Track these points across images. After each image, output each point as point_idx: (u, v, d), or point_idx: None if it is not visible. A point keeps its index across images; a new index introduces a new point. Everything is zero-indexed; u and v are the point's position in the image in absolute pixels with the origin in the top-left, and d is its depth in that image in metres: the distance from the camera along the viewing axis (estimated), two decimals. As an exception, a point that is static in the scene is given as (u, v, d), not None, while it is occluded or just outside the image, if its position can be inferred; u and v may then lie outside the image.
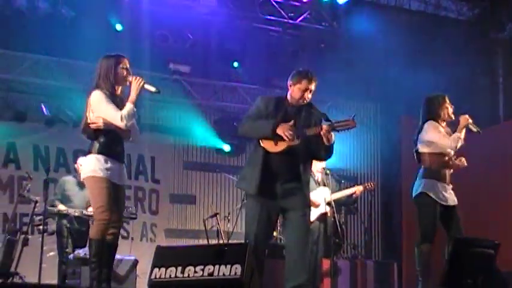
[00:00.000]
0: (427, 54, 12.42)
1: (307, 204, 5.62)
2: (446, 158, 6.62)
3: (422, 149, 6.68)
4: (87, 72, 10.78)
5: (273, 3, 11.54)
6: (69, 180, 9.18)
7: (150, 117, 11.43)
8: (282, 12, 11.60)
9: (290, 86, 5.66)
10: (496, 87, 14.02)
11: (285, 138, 5.38)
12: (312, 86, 5.61)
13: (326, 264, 8.88)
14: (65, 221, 8.75)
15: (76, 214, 8.70)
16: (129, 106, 5.52)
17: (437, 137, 6.58)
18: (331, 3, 11.53)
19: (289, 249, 5.56)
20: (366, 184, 9.36)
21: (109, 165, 5.53)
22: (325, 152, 5.61)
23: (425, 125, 6.66)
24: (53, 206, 8.75)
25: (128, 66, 5.72)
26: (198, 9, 11.21)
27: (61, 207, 8.80)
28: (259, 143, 5.52)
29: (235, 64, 11.73)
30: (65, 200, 8.96)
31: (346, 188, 9.31)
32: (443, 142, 6.56)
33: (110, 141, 5.58)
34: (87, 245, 8.69)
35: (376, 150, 13.44)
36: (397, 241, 11.94)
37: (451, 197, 6.60)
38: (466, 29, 13.54)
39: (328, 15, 11.85)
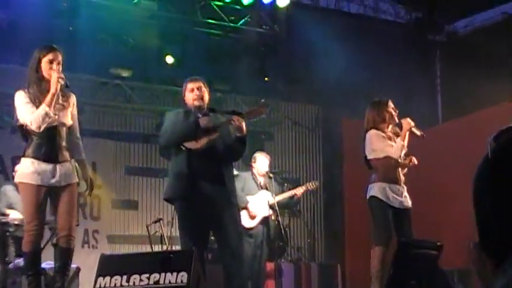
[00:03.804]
0: (367, 57, 12.56)
1: (234, 201, 5.68)
2: (394, 159, 6.70)
3: (369, 155, 6.74)
4: (23, 76, 10.61)
5: (214, 6, 11.53)
6: (9, 188, 9.01)
7: (90, 122, 11.28)
8: (223, 15, 11.59)
9: (184, 98, 5.84)
10: (434, 88, 14.27)
11: (208, 125, 5.50)
12: (199, 84, 5.75)
13: (270, 267, 8.90)
14: (6, 229, 8.56)
15: (16, 222, 8.52)
16: (40, 108, 5.28)
17: (381, 146, 6.65)
18: (271, 6, 11.55)
19: (223, 249, 5.62)
20: (308, 184, 9.37)
21: (40, 168, 5.32)
22: (239, 145, 5.66)
23: (368, 135, 6.73)
24: (3, 214, 8.57)
25: (59, 59, 5.46)
26: (139, 12, 11.12)
27: (11, 212, 8.59)
28: (180, 147, 5.56)
29: (175, 66, 11.67)
30: (9, 207, 8.79)
31: (289, 190, 9.34)
32: (388, 151, 6.64)
33: (38, 143, 5.36)
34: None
35: (317, 153, 13.53)
36: (340, 242, 12.04)
37: (404, 200, 6.67)
38: (405, 31, 13.76)
39: (269, 19, 11.89)
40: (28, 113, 5.30)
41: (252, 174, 8.81)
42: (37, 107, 5.31)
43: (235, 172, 6.30)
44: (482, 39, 12.21)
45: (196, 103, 5.70)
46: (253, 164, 8.85)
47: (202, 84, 5.76)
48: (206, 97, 5.76)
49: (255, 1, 11.48)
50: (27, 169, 5.31)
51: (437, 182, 10.40)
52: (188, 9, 11.44)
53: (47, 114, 5.28)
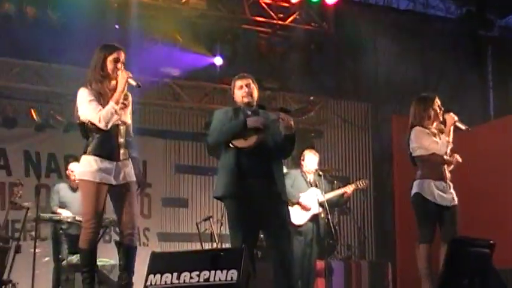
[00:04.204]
0: (416, 53, 12.47)
1: (284, 199, 5.65)
2: (439, 156, 6.61)
3: (414, 152, 6.66)
4: (77, 76, 10.75)
5: (262, 4, 11.53)
6: (62, 187, 9.14)
7: (140, 121, 11.36)
8: (271, 13, 11.59)
9: (232, 95, 5.83)
10: (486, 84, 14.08)
11: (257, 125, 5.47)
12: (248, 81, 5.73)
13: (320, 265, 8.87)
14: (59, 227, 8.70)
15: (69, 220, 8.65)
16: (109, 105, 5.30)
17: (427, 143, 6.55)
18: (320, 4, 11.50)
19: (272, 250, 5.61)
20: (358, 182, 9.29)
21: (101, 165, 5.32)
22: (288, 142, 5.62)
23: (413, 132, 6.63)
24: (53, 213, 8.71)
25: (122, 58, 5.45)
26: (188, 11, 11.19)
27: (62, 212, 8.72)
28: (229, 145, 5.55)
29: (224, 66, 11.72)
30: (62, 206, 8.93)
31: (339, 188, 9.29)
32: (433, 148, 6.55)
33: (100, 140, 5.36)
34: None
35: (367, 151, 13.45)
36: (391, 241, 11.94)
37: (449, 196, 6.57)
38: (455, 27, 13.59)
39: (318, 16, 11.85)
40: (95, 110, 5.31)
41: (302, 171, 8.79)
42: (101, 105, 5.34)
43: (284, 170, 6.29)
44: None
45: (245, 100, 5.69)
46: (302, 162, 8.82)
47: (251, 81, 5.75)
48: (255, 94, 5.75)
49: (303, -1, 11.46)
50: (89, 167, 5.32)
51: (489, 179, 10.23)
52: (237, 8, 11.47)
53: (115, 111, 5.33)
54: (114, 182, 5.38)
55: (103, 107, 5.32)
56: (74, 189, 8.98)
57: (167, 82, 11.62)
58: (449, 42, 13.19)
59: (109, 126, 5.33)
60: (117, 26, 10.52)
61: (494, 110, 13.78)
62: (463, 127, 6.68)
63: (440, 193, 6.53)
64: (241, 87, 5.72)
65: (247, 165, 5.50)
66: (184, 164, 12.27)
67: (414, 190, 6.60)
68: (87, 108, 5.34)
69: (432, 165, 6.60)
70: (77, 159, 10.06)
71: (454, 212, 6.57)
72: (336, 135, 13.34)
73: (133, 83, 5.42)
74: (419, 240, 6.53)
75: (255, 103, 5.75)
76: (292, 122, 5.50)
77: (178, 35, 11.23)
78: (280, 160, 5.80)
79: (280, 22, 11.70)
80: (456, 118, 6.65)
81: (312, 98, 4.97)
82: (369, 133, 13.52)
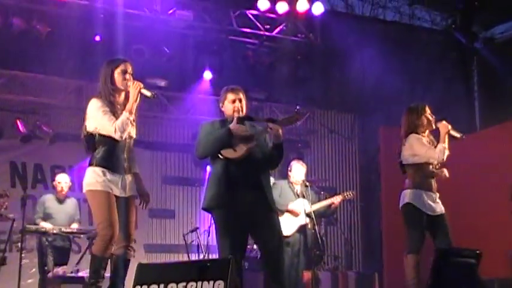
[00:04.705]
0: (403, 64, 12.50)
1: (273, 208, 5.64)
2: (431, 167, 6.63)
3: (408, 160, 6.67)
4: (63, 87, 10.78)
5: (249, 15, 11.57)
6: (48, 198, 9.12)
7: (127, 132, 11.36)
8: (258, 24, 11.62)
9: (221, 107, 5.81)
10: (472, 96, 14.14)
11: (242, 131, 5.48)
12: (240, 96, 5.73)
13: (307, 276, 8.86)
14: (44, 238, 8.67)
15: (55, 231, 8.62)
16: (124, 115, 5.33)
17: (423, 150, 6.57)
18: (307, 15, 11.55)
19: (265, 259, 5.60)
20: (345, 193, 9.32)
21: (108, 177, 5.36)
22: (277, 152, 5.62)
23: (409, 139, 6.64)
24: (35, 224, 8.67)
25: (130, 70, 5.52)
26: (174, 23, 11.20)
27: (43, 224, 8.72)
28: (219, 156, 5.55)
29: (212, 77, 11.74)
30: (47, 217, 8.91)
31: (326, 199, 9.30)
32: (430, 155, 6.55)
33: (108, 152, 5.39)
34: (68, 262, 8.69)
35: (354, 161, 13.48)
36: (378, 251, 11.95)
37: (438, 206, 6.60)
38: (441, 38, 13.67)
39: (304, 27, 11.89)
40: (110, 120, 5.33)
41: (289, 182, 8.80)
42: (115, 117, 5.36)
43: (272, 180, 6.29)
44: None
45: (235, 114, 5.70)
46: (290, 173, 8.84)
47: (242, 96, 5.75)
48: (245, 109, 5.77)
49: (290, 10, 11.49)
50: (98, 177, 5.34)
51: (476, 190, 10.28)
52: (223, 19, 11.50)
53: (130, 121, 5.37)
54: (119, 194, 5.42)
55: (116, 119, 5.35)
56: (60, 201, 8.98)
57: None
58: (435, 54, 13.27)
59: (124, 136, 5.37)
60: (97, 38, 10.50)
61: (480, 121, 13.84)
62: (457, 135, 6.71)
63: (431, 203, 6.55)
64: (233, 101, 5.71)
65: (236, 175, 5.51)
66: (171, 175, 12.25)
67: (405, 200, 6.60)
68: (101, 118, 5.36)
69: (423, 175, 6.61)
70: (64, 170, 10.13)
71: (444, 220, 6.60)
72: (323, 146, 13.36)
73: (147, 93, 5.48)
74: (407, 250, 6.53)
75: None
76: (280, 131, 5.51)
77: (165, 46, 11.23)
78: (268, 171, 5.80)
79: (267, 33, 11.74)
80: (450, 126, 6.68)
81: (298, 107, 4.96)
82: (356, 143, 13.56)
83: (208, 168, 6.55)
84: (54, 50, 10.09)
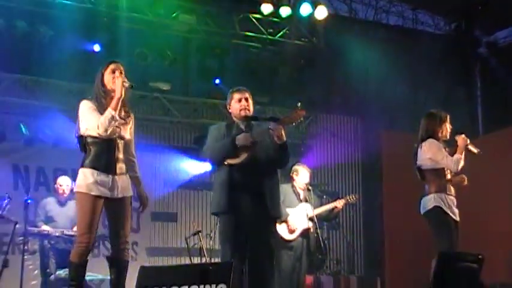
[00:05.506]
0: (406, 68, 12.50)
1: (272, 215, 5.67)
2: (449, 172, 6.60)
3: (425, 166, 6.63)
4: (66, 91, 10.78)
5: (252, 19, 11.58)
6: (49, 201, 9.11)
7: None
8: (261, 28, 11.63)
9: (229, 108, 5.87)
10: (474, 101, 14.13)
11: (246, 143, 5.49)
12: (246, 94, 5.78)
13: (309, 280, 8.86)
14: (46, 241, 8.66)
15: (57, 234, 8.62)
16: (107, 112, 5.34)
17: (441, 157, 6.53)
18: (310, 18, 11.56)
19: (251, 265, 5.59)
20: (348, 197, 9.31)
21: (98, 178, 5.35)
22: (282, 152, 5.63)
23: (427, 143, 6.60)
24: (36, 227, 8.67)
25: (120, 68, 5.54)
26: (178, 26, 11.21)
27: (44, 227, 8.72)
28: (222, 164, 5.60)
29: (215, 81, 11.75)
30: (49, 220, 8.89)
31: (328, 203, 9.29)
32: (446, 163, 6.52)
33: (97, 153, 5.40)
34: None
35: (356, 165, 13.46)
36: (380, 256, 11.94)
37: (456, 212, 6.59)
38: (444, 43, 13.66)
39: (307, 31, 11.90)
40: (95, 118, 5.36)
41: (293, 186, 8.77)
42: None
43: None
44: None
45: (243, 113, 5.72)
46: (295, 177, 8.79)
47: (248, 95, 5.78)
48: (252, 108, 5.78)
49: (293, 13, 11.51)
50: (86, 179, 5.35)
51: (478, 195, 10.25)
52: (226, 23, 11.52)
53: (113, 117, 5.34)
54: (109, 195, 5.40)
55: None
56: (62, 203, 8.97)
57: (157, 97, 11.59)
58: (438, 58, 13.25)
59: (108, 132, 5.36)
60: (97, 48, 10.51)
61: (483, 127, 13.82)
62: (475, 150, 6.68)
63: (453, 208, 6.54)
64: (239, 100, 5.74)
65: (238, 181, 5.54)
66: (174, 178, 12.23)
67: (432, 204, 6.54)
68: (88, 117, 5.41)
69: (444, 179, 6.57)
70: (66, 173, 10.13)
71: (458, 226, 6.58)
72: (325, 150, 13.34)
73: (126, 85, 5.46)
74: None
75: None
76: (282, 132, 5.50)
77: (168, 50, 11.24)
78: (274, 173, 5.78)
79: (270, 37, 11.76)
80: (468, 141, 6.66)
81: (299, 104, 4.94)
82: (358, 147, 13.54)
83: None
84: (56, 53, 10.09)
